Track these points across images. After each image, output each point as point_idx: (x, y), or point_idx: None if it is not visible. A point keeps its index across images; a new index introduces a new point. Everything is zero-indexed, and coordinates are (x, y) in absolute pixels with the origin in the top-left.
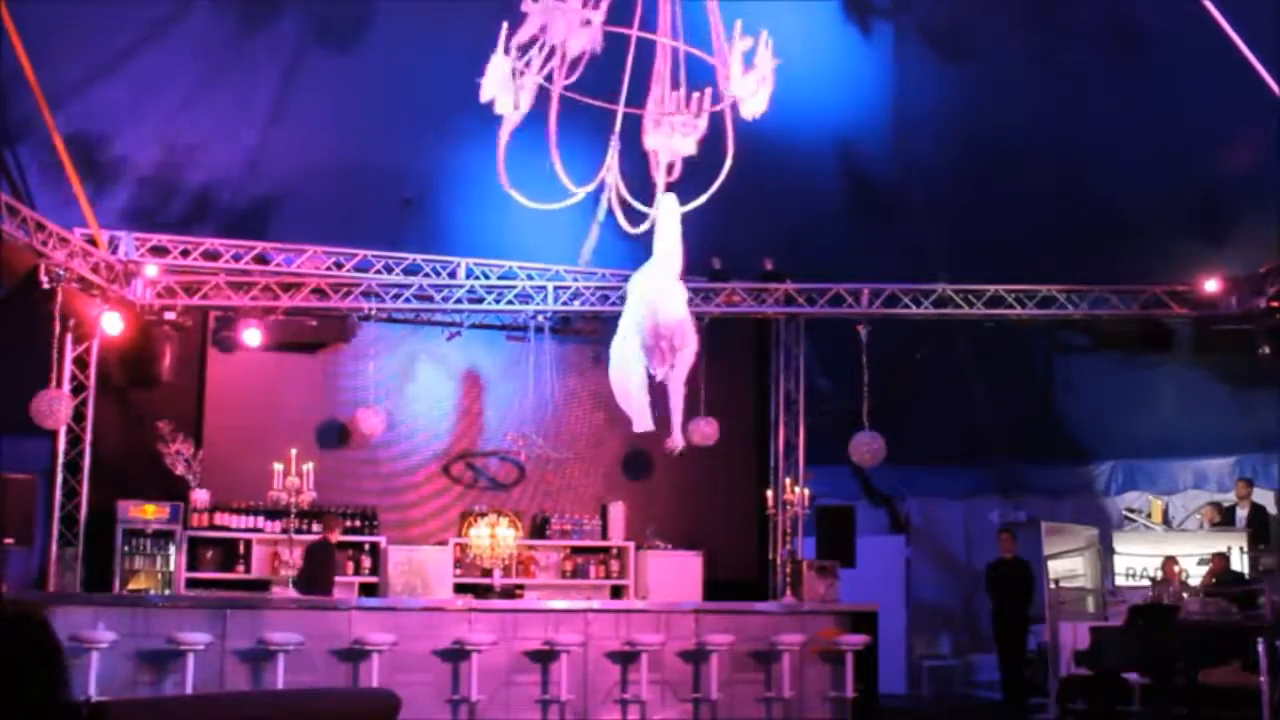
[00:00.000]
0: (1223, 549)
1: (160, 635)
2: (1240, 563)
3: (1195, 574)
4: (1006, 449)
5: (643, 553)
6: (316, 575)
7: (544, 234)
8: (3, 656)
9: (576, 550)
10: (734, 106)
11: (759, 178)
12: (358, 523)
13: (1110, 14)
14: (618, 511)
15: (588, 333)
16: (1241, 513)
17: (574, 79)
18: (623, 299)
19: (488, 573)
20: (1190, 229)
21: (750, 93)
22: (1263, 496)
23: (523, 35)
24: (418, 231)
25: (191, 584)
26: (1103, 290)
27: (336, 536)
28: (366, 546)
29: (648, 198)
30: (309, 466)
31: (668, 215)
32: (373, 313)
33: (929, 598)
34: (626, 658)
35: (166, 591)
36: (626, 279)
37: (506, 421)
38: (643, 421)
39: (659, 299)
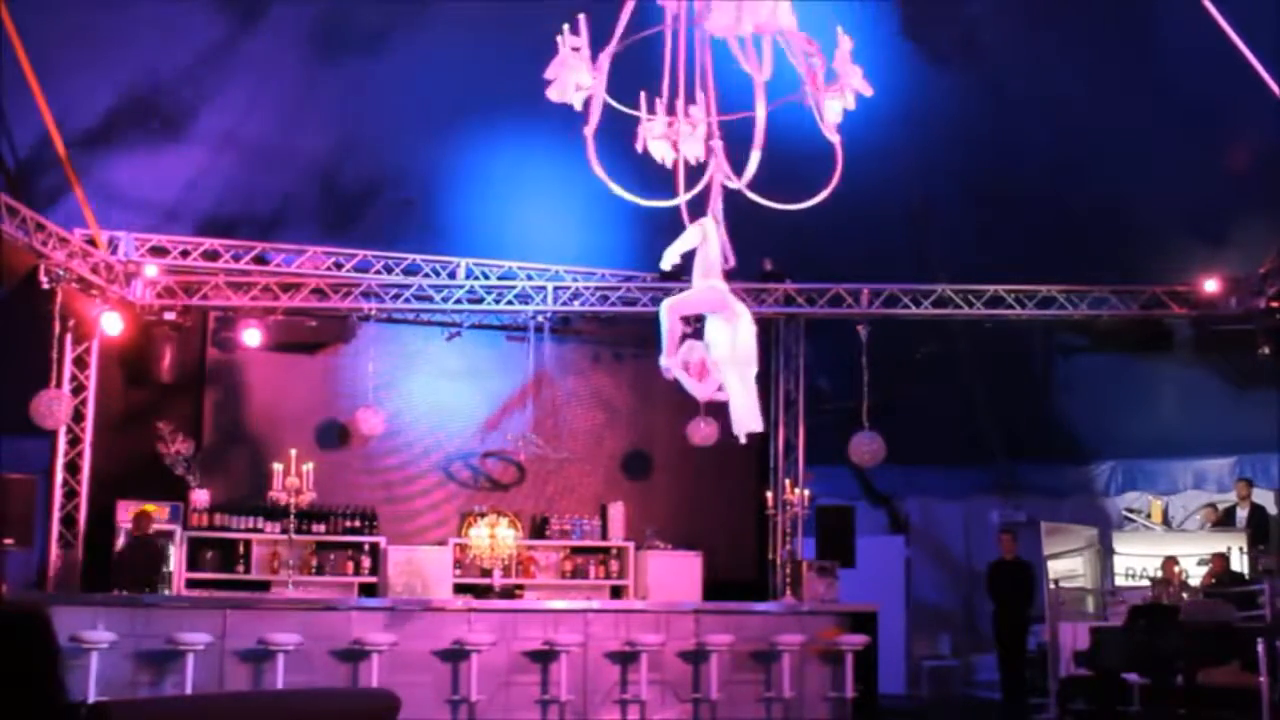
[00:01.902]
0: (1222, 549)
1: (160, 635)
2: (1240, 563)
3: (1195, 574)
4: (1006, 449)
5: (642, 553)
6: (138, 574)
7: (543, 234)
8: (2, 656)
9: (576, 550)
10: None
11: (761, 178)
12: (357, 523)
13: (1110, 14)
14: (617, 512)
15: (588, 333)
16: (1241, 513)
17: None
18: (622, 300)
19: (487, 573)
20: (1190, 229)
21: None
22: (1263, 497)
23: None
24: (417, 231)
25: (191, 584)
26: (1102, 290)
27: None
28: (366, 547)
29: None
30: (309, 467)
31: (711, 236)
32: (372, 313)
33: (929, 598)
34: (626, 658)
35: (166, 592)
36: (627, 279)
37: (506, 422)
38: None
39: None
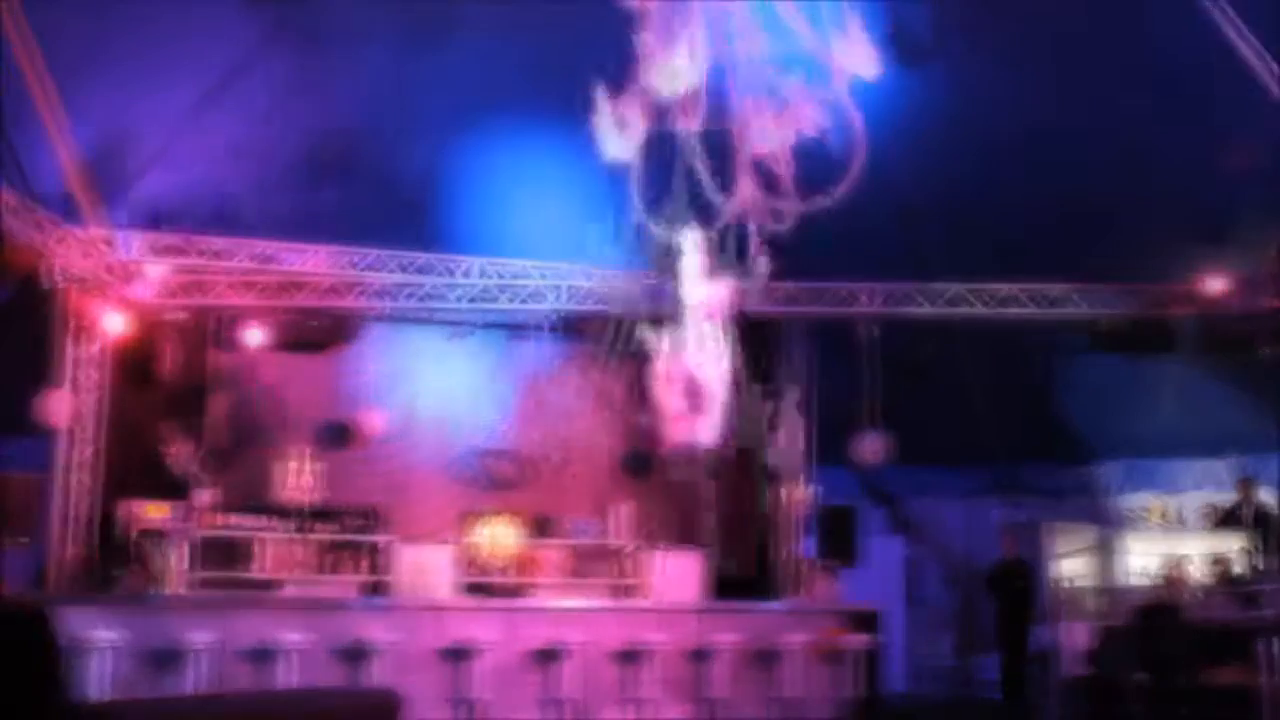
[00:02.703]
0: (1225, 549)
1: (164, 635)
2: (1243, 563)
3: (1198, 574)
4: (1008, 449)
5: (646, 552)
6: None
7: (549, 233)
8: (5, 654)
9: (580, 550)
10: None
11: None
12: (362, 522)
13: (1114, 14)
14: (621, 511)
15: (594, 333)
16: (1245, 512)
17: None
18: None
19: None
20: (1194, 229)
21: None
22: (1266, 496)
23: None
24: (423, 231)
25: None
26: (1106, 290)
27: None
28: (370, 546)
29: None
30: (314, 467)
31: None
32: (379, 313)
33: (929, 598)
34: (630, 657)
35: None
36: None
37: (511, 421)
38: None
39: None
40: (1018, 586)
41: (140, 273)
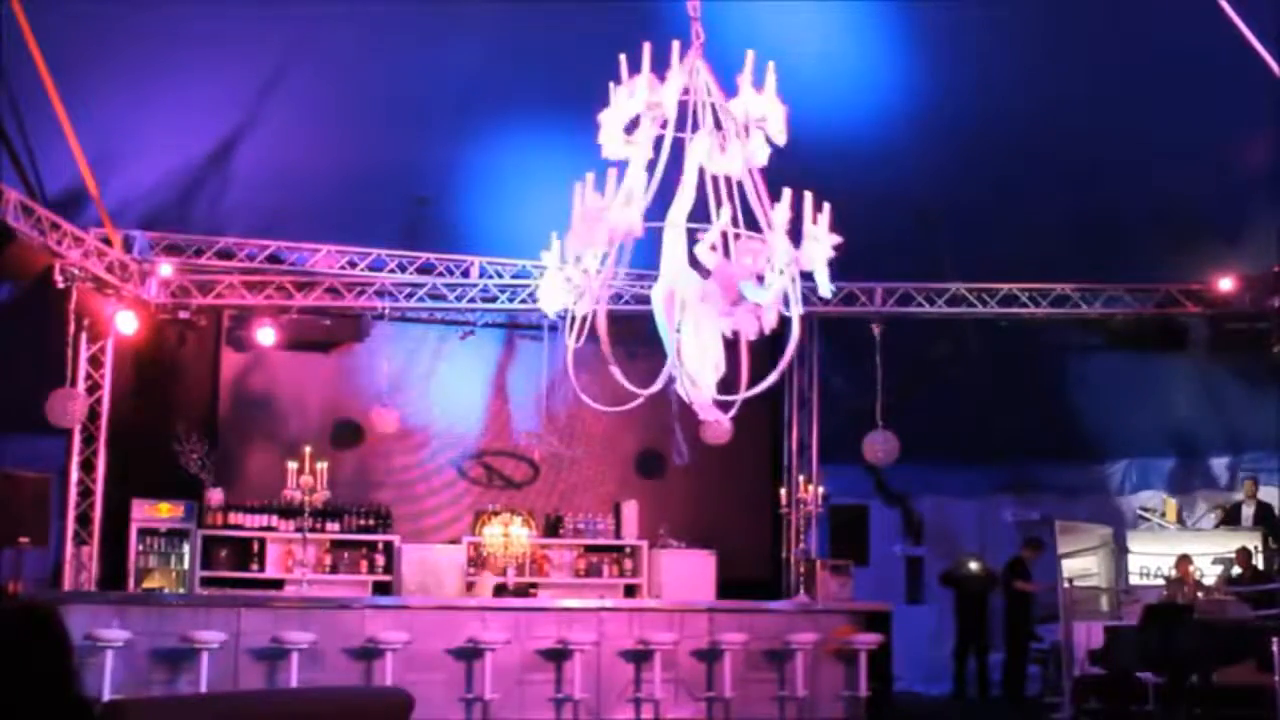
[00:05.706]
0: (1235, 548)
1: (174, 634)
2: (1256, 561)
3: (1209, 573)
4: (1020, 448)
5: (656, 551)
6: None
7: (558, 233)
8: (15, 652)
9: (590, 549)
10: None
11: (771, 177)
12: (371, 521)
13: (1122, 11)
14: (631, 510)
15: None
16: (1248, 510)
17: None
18: (637, 299)
19: (501, 571)
20: (1204, 227)
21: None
22: (1271, 495)
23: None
24: (431, 230)
25: (205, 582)
26: (1116, 289)
27: None
28: (380, 545)
29: None
30: (323, 465)
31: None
32: (386, 312)
33: (941, 596)
34: (640, 656)
35: (181, 590)
36: (639, 278)
37: (520, 420)
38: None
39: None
40: (1019, 587)
41: (150, 272)
